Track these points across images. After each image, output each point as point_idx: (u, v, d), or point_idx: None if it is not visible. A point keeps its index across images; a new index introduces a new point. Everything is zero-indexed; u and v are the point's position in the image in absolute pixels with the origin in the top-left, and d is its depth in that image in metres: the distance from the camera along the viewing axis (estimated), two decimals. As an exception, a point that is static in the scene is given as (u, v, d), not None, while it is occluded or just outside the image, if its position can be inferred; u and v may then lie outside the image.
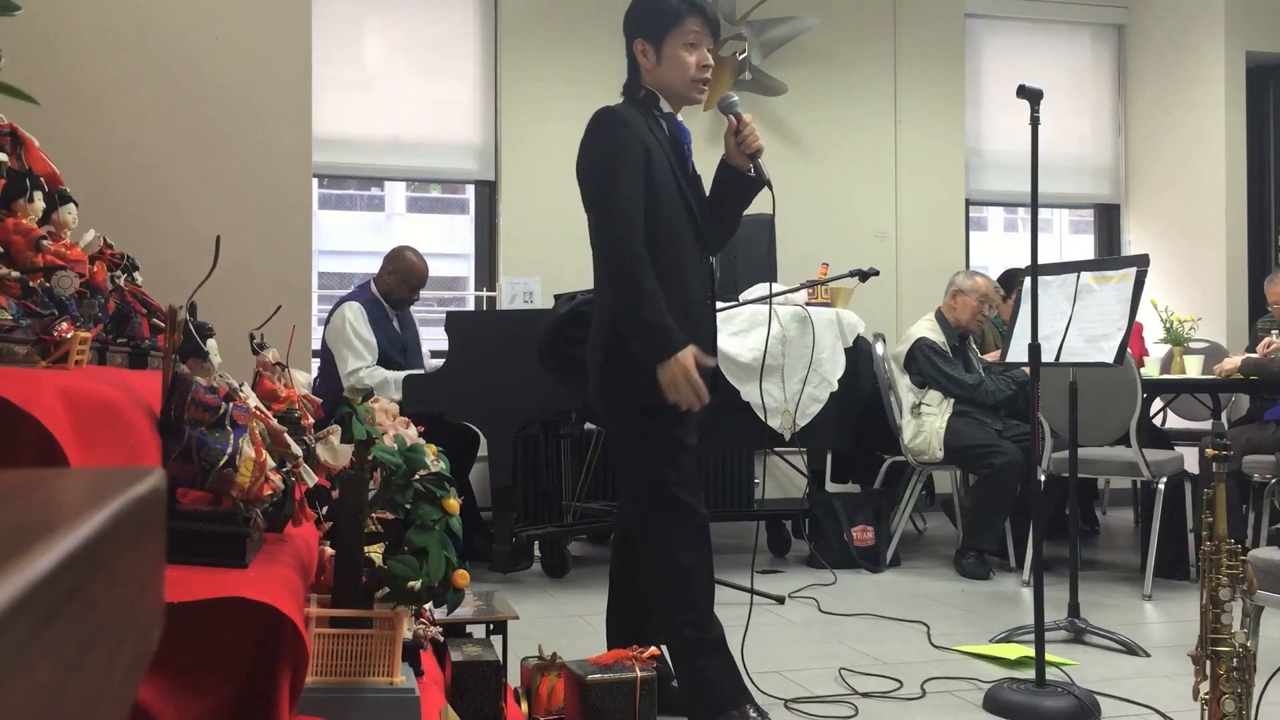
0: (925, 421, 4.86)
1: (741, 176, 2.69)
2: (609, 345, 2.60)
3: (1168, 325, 5.09)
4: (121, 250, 1.89)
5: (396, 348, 4.84)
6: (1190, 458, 4.82)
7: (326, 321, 4.86)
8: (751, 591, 3.27)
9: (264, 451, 1.44)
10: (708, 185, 2.76)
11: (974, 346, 5.22)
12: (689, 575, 2.58)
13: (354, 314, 4.73)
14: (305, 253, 3.38)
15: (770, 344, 4.56)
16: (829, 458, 5.37)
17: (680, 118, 2.72)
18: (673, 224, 2.59)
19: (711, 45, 2.68)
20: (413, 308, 5.12)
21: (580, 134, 2.65)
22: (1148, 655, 3.34)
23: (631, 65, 2.69)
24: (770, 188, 2.67)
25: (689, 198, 2.65)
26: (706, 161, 2.78)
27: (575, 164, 2.65)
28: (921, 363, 4.89)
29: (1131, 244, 7.17)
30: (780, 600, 4.14)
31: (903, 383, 4.95)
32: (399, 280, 4.87)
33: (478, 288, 6.24)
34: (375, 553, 1.74)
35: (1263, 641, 2.60)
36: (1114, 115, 7.29)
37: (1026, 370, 3.15)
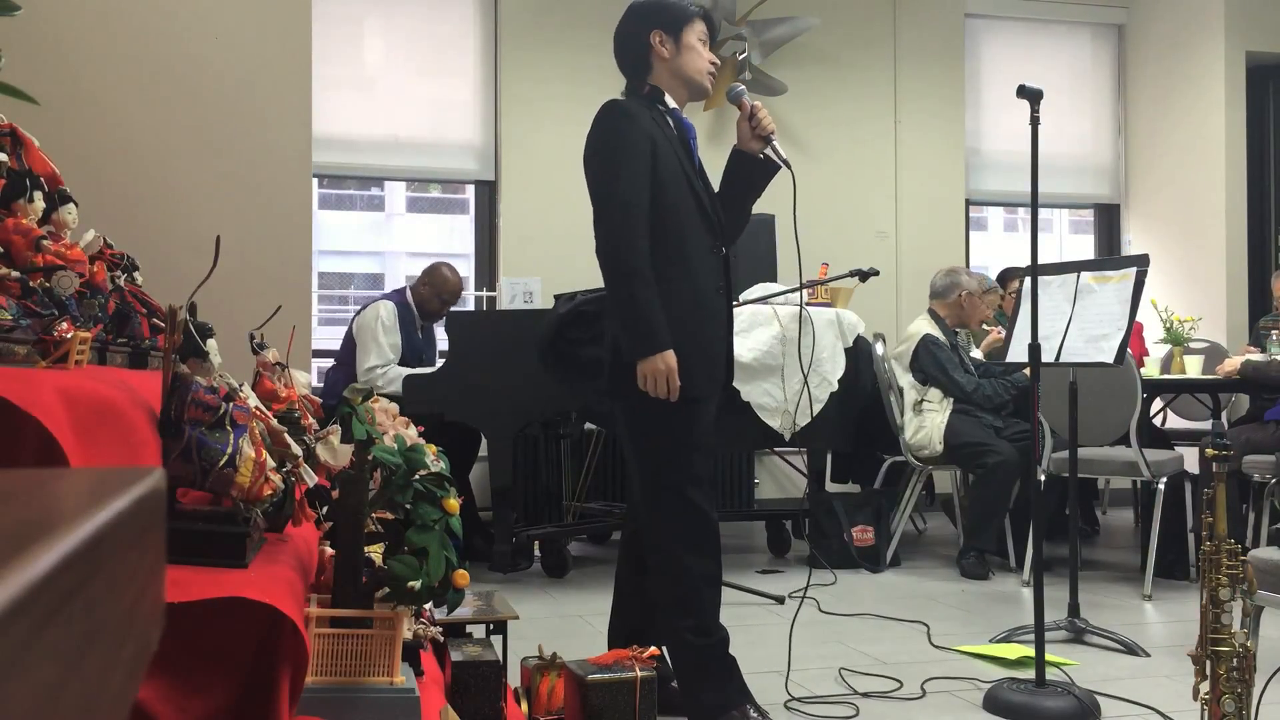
0: (927, 417, 4.86)
1: (755, 163, 2.72)
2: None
3: (1168, 325, 5.09)
4: (121, 250, 1.89)
5: (414, 356, 4.93)
6: (1190, 458, 4.82)
7: (357, 314, 4.99)
8: (811, 592, 3.26)
9: (264, 451, 1.44)
10: (715, 180, 2.78)
11: (963, 345, 5.23)
12: (695, 579, 2.58)
13: (386, 312, 4.88)
14: (305, 253, 3.38)
15: (770, 344, 4.56)
16: (829, 458, 5.37)
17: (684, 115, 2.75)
18: (680, 216, 2.60)
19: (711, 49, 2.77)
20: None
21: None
22: (1148, 655, 3.34)
23: (638, 63, 2.71)
24: (789, 168, 2.70)
25: (699, 190, 2.66)
26: (709, 158, 2.79)
27: (582, 157, 2.66)
28: (924, 359, 4.89)
29: (1131, 244, 7.17)
30: (780, 600, 4.14)
31: (906, 380, 4.95)
32: (433, 294, 5.03)
33: (478, 288, 6.24)
34: (375, 553, 1.74)
35: (1263, 641, 2.61)
36: (1114, 115, 7.29)
37: (1026, 373, 3.14)
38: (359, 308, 5.06)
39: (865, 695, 2.95)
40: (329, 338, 5.23)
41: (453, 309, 5.08)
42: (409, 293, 5.05)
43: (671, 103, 2.71)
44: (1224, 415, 5.27)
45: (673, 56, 2.69)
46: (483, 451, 5.01)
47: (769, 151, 2.71)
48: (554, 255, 5.86)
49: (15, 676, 0.29)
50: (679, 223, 2.60)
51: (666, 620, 2.61)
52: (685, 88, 2.72)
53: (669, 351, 2.50)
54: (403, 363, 4.85)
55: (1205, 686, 2.12)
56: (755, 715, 2.55)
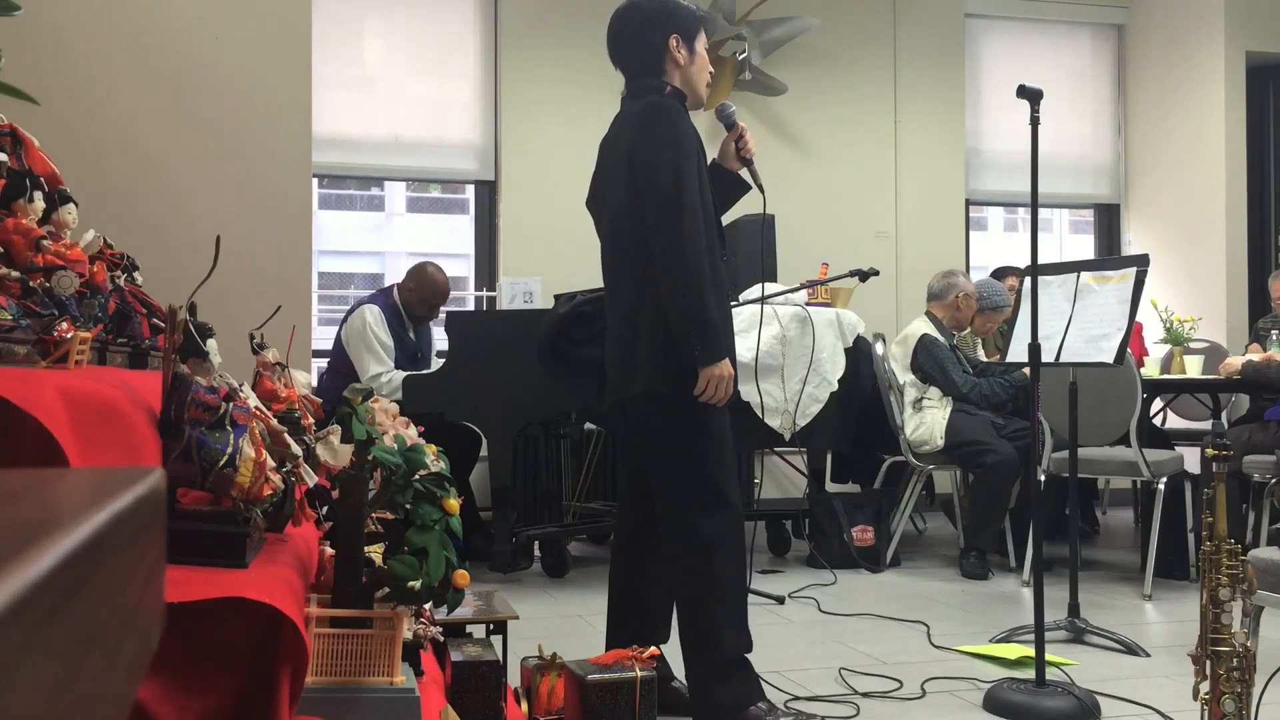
0: (927, 414, 4.87)
1: (731, 177, 2.79)
2: (668, 336, 2.56)
3: (1168, 325, 5.09)
4: (121, 250, 1.89)
5: (409, 355, 4.88)
6: (1190, 458, 4.82)
7: (344, 321, 4.91)
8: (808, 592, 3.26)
9: (264, 451, 1.44)
10: None
11: (966, 346, 5.24)
12: (736, 576, 2.58)
13: (373, 317, 4.78)
14: (305, 253, 3.38)
15: (770, 344, 4.56)
16: (829, 458, 5.37)
17: None
18: (708, 220, 2.61)
19: None
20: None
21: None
22: (1148, 655, 3.34)
23: (650, 63, 2.68)
24: (762, 191, 2.77)
25: (711, 195, 2.68)
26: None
27: (634, 153, 2.59)
28: (922, 358, 4.90)
29: (1131, 244, 7.17)
30: (780, 600, 4.14)
31: (907, 378, 4.95)
32: (420, 298, 4.92)
33: (478, 288, 6.24)
34: (375, 553, 1.74)
35: (1263, 641, 2.61)
36: (1114, 115, 7.29)
37: (1026, 372, 3.15)
38: (345, 312, 4.97)
39: (865, 695, 2.95)
40: (329, 338, 5.20)
41: (452, 309, 5.07)
42: (395, 293, 4.95)
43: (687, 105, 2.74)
44: (1224, 415, 5.27)
45: (687, 64, 2.69)
46: (483, 451, 5.00)
47: (746, 173, 2.78)
48: (554, 255, 5.86)
49: (15, 676, 0.29)
50: (709, 226, 2.61)
51: (702, 611, 2.58)
52: (690, 96, 2.73)
53: (726, 359, 2.54)
54: (397, 365, 4.80)
55: (1205, 686, 2.12)
56: (764, 705, 2.55)
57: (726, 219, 2.93)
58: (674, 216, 2.52)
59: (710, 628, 2.57)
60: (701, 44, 2.72)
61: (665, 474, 2.64)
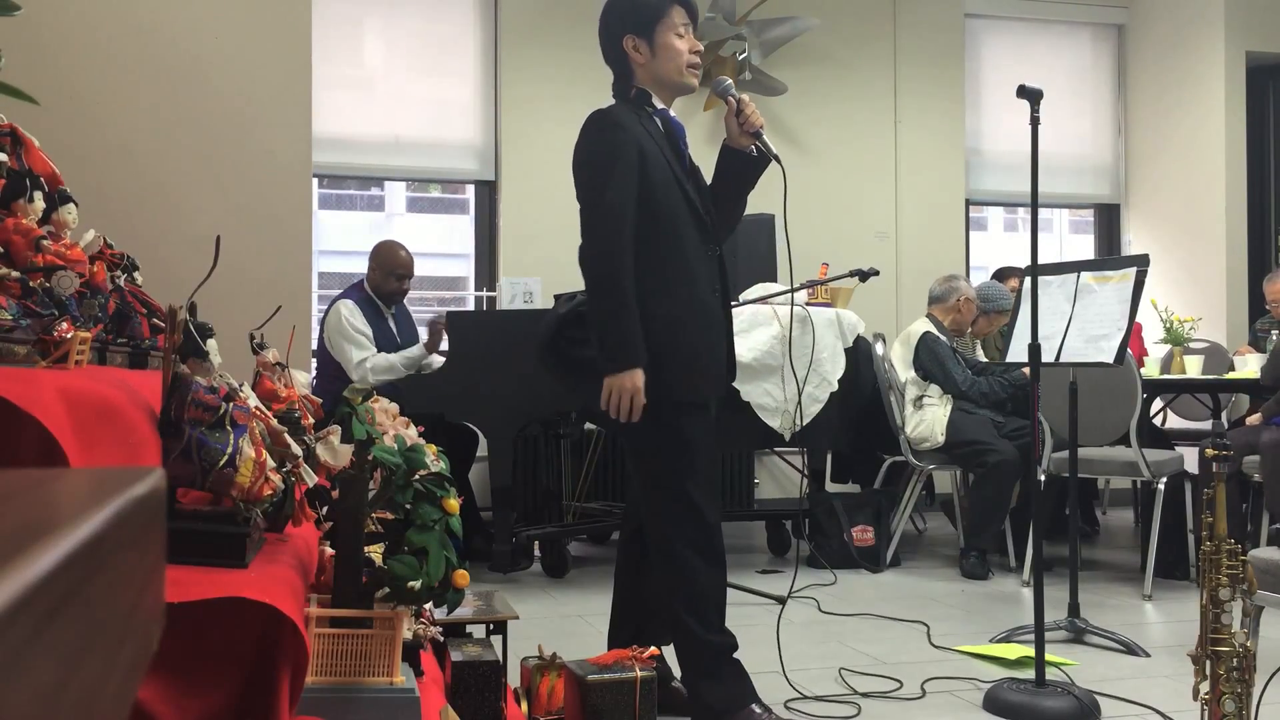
0: (928, 411, 4.88)
1: (745, 157, 2.69)
2: None
3: (1168, 325, 5.09)
4: (121, 250, 1.89)
5: (389, 345, 4.85)
6: (1190, 458, 4.81)
7: (322, 321, 4.90)
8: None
9: (264, 451, 1.44)
10: (707, 178, 2.76)
11: (963, 349, 5.24)
12: (703, 577, 2.57)
13: (348, 310, 4.78)
14: (305, 253, 3.38)
15: (770, 344, 4.56)
16: (829, 458, 5.37)
17: (674, 113, 2.72)
18: (674, 220, 2.58)
19: (694, 34, 2.70)
20: (413, 308, 5.13)
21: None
22: (1148, 655, 3.34)
23: (620, 66, 2.68)
24: (779, 161, 2.66)
25: (689, 192, 2.64)
26: (711, 157, 2.78)
27: (571, 168, 2.65)
28: (923, 355, 4.91)
29: (1131, 244, 7.17)
30: (781, 600, 4.13)
31: (908, 375, 4.96)
32: (383, 273, 4.90)
33: (478, 288, 6.24)
34: (375, 553, 1.74)
35: (1263, 641, 2.60)
36: (1114, 115, 7.29)
37: (1026, 372, 3.15)
38: (323, 312, 4.96)
39: (865, 695, 2.95)
40: (329, 338, 5.19)
41: (452, 309, 5.06)
42: (365, 284, 4.95)
43: (659, 103, 2.68)
44: (1224, 415, 5.27)
45: (648, 60, 2.64)
46: (483, 451, 5.00)
47: (759, 145, 2.68)
48: (554, 255, 5.85)
49: (15, 676, 0.29)
50: (673, 227, 2.58)
51: (676, 618, 2.59)
52: (667, 90, 2.68)
53: (638, 370, 2.48)
54: (383, 350, 4.80)
55: (1205, 686, 2.12)
56: (760, 710, 2.55)
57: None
58: (591, 224, 2.55)
59: (688, 632, 2.57)
60: (669, 32, 2.62)
61: (640, 478, 2.65)
